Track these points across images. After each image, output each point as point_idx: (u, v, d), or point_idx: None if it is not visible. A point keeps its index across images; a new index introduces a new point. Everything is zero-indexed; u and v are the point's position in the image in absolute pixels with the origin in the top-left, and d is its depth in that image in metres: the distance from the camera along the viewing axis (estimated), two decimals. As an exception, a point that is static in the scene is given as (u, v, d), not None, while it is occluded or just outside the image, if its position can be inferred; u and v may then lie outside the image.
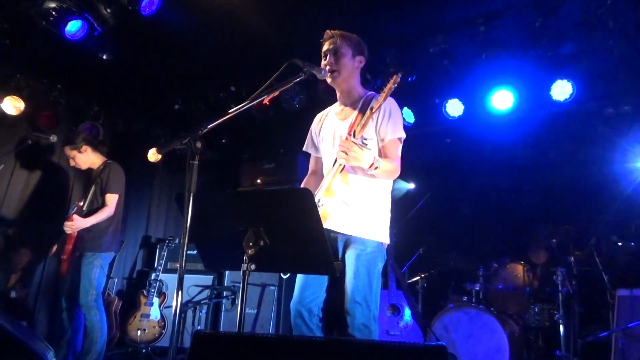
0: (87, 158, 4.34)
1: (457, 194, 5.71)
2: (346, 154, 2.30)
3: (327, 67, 2.52)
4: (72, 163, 4.37)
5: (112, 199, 4.17)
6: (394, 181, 2.65)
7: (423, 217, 5.20)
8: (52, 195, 5.34)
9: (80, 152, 4.30)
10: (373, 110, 2.38)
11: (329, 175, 2.50)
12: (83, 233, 4.08)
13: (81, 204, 4.15)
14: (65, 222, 4.03)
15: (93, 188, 4.21)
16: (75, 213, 4.07)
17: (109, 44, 4.48)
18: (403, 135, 2.53)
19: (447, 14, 4.13)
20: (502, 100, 4.64)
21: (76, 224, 4.02)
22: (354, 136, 2.37)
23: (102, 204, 4.15)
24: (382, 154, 2.51)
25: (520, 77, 4.55)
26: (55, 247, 4.22)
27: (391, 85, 2.36)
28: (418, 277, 5.13)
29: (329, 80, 2.57)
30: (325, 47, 2.59)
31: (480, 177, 5.47)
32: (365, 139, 2.41)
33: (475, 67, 4.42)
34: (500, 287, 4.70)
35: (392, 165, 2.45)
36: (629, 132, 4.59)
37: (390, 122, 2.49)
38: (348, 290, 2.37)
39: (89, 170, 4.41)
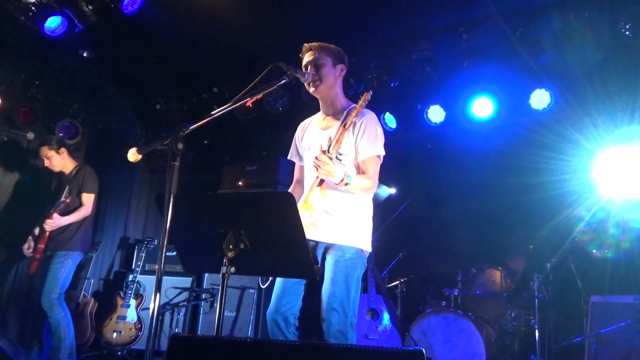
0: (63, 161, 4.39)
1: (438, 200, 5.74)
2: (317, 168, 2.31)
3: (309, 80, 2.51)
4: (46, 163, 4.37)
5: (88, 199, 4.25)
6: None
7: (404, 222, 5.22)
8: (27, 194, 5.23)
9: (58, 153, 4.35)
10: (346, 127, 2.40)
11: (308, 187, 2.51)
12: (55, 233, 4.11)
13: (68, 201, 4.15)
14: (46, 219, 4.05)
15: (67, 189, 4.23)
16: (57, 212, 4.09)
17: (90, 41, 4.43)
18: (382, 152, 2.53)
19: (431, 21, 4.19)
20: (482, 107, 4.70)
21: (56, 222, 4.08)
22: (329, 151, 2.37)
23: (79, 204, 4.22)
24: (359, 170, 2.52)
25: (501, 86, 4.62)
26: (28, 246, 4.19)
27: (362, 102, 2.39)
28: (397, 282, 5.14)
29: (311, 90, 2.58)
30: (305, 60, 2.58)
31: (460, 183, 5.52)
32: (341, 154, 2.41)
33: (457, 74, 4.48)
34: (478, 292, 4.75)
35: (366, 182, 2.45)
36: (604, 142, 4.69)
37: (368, 139, 2.49)
38: (325, 297, 2.36)
39: (61, 173, 4.44)
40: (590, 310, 4.17)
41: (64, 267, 4.05)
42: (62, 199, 4.13)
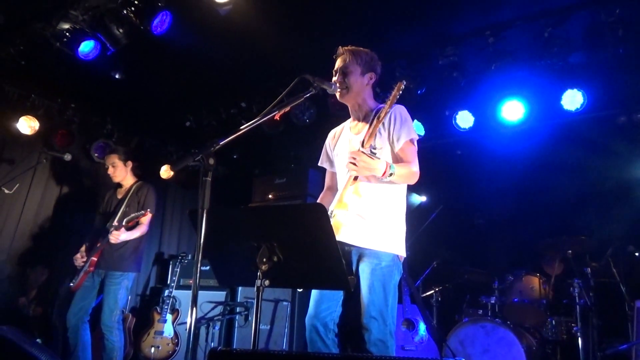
0: (126, 173, 4.44)
1: (470, 206, 5.65)
2: (355, 164, 2.30)
3: (336, 87, 2.55)
4: (110, 171, 4.42)
5: (147, 218, 4.25)
6: (407, 194, 2.63)
7: (436, 230, 5.15)
8: (67, 214, 5.38)
9: (125, 165, 4.41)
10: (380, 119, 2.40)
11: (342, 187, 2.51)
12: (111, 250, 4.12)
13: (147, 214, 4.14)
14: (113, 231, 4.05)
15: (127, 205, 4.26)
16: (126, 226, 4.10)
17: (122, 63, 4.55)
18: (416, 136, 2.53)
19: (456, 25, 4.15)
20: (512, 111, 4.63)
21: (122, 234, 4.06)
22: (363, 146, 2.37)
23: (137, 222, 4.22)
24: (398, 159, 2.51)
25: (531, 88, 4.54)
26: (81, 255, 4.19)
27: (396, 92, 2.39)
28: (432, 291, 5.07)
29: (338, 96, 2.61)
30: (336, 65, 2.63)
31: (493, 189, 5.42)
32: (375, 148, 2.41)
33: (485, 78, 4.41)
34: (516, 300, 4.62)
35: (409, 169, 2.44)
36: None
37: (401, 126, 2.49)
38: (364, 305, 2.35)
39: (117, 185, 4.48)
40: (635, 315, 4.00)
41: (122, 289, 4.07)
42: (138, 212, 4.11)
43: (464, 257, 5.35)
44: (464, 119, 4.89)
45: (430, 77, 4.54)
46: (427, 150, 2.62)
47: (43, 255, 5.10)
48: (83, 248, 4.26)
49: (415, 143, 2.54)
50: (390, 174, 2.34)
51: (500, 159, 5.16)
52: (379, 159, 2.37)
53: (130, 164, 4.45)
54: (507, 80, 4.41)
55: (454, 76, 4.43)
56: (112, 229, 4.08)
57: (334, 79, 2.59)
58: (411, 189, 2.56)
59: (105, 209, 4.43)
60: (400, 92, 2.39)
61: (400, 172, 2.39)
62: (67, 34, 4.18)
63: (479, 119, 4.86)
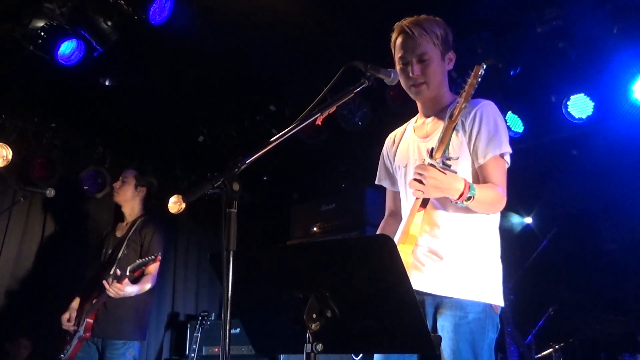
0: (132, 200, 4.64)
1: (597, 227, 5.51)
2: (421, 182, 2.27)
3: (411, 83, 2.52)
4: (117, 184, 4.66)
5: (155, 266, 4.33)
6: (504, 215, 2.58)
7: (550, 263, 5.06)
8: (53, 265, 5.53)
9: (135, 188, 4.64)
10: (453, 118, 2.36)
11: (407, 215, 2.48)
12: (106, 311, 4.20)
13: (159, 259, 4.20)
14: (113, 281, 4.05)
15: (127, 246, 4.37)
16: (129, 277, 4.10)
17: (112, 65, 4.71)
18: (508, 149, 2.48)
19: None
20: (649, 89, 4.50)
21: (125, 288, 4.07)
22: (432, 156, 2.33)
23: (142, 272, 4.29)
24: (479, 177, 2.47)
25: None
26: (69, 317, 4.29)
27: (472, 80, 2.34)
28: (551, 349, 4.99)
29: (413, 95, 2.59)
30: (401, 51, 2.55)
31: (628, 199, 5.27)
32: (448, 159, 2.35)
33: (606, 46, 4.32)
34: (675, 357, 4.46)
35: (494, 193, 2.39)
36: None
37: (488, 133, 2.44)
38: None
39: (118, 220, 4.66)
40: None
41: None
42: (149, 257, 4.13)
43: (594, 300, 5.25)
44: (579, 106, 4.79)
45: (526, 52, 4.51)
46: (528, 153, 2.58)
47: (25, 323, 5.23)
48: (74, 304, 4.35)
49: (508, 159, 2.50)
50: (469, 198, 2.27)
51: (636, 157, 5.00)
52: (455, 172, 2.32)
53: (142, 190, 4.65)
54: (638, 47, 4.30)
55: (560, 47, 4.39)
56: (111, 279, 4.09)
57: (411, 72, 2.50)
58: (509, 207, 2.50)
59: (102, 252, 4.56)
60: (479, 79, 2.34)
61: (482, 196, 2.33)
62: (42, 33, 4.37)
63: (600, 104, 4.75)
